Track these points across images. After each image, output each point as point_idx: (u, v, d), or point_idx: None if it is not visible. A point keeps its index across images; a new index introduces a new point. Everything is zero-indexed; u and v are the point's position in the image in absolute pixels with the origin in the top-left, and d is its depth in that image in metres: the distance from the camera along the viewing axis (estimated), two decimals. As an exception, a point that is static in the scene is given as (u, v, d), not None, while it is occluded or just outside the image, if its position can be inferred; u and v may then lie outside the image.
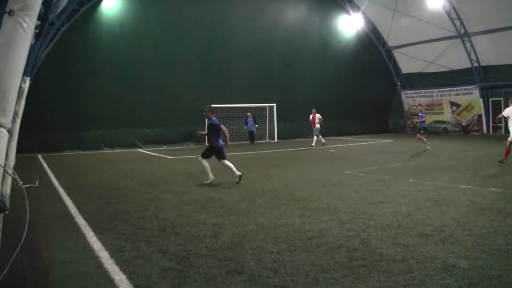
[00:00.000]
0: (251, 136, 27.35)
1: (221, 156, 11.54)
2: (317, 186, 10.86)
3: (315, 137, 23.50)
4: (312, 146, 23.04)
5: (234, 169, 11.36)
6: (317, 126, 23.46)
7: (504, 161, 13.41)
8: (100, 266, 5.26)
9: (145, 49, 24.94)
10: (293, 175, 12.97)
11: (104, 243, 6.17)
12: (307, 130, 30.84)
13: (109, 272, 5.03)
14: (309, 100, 30.46)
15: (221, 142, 11.56)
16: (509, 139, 13.25)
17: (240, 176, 11.28)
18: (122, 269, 5.11)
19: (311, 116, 23.87)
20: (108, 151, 23.57)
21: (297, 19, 30.81)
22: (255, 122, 27.53)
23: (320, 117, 23.55)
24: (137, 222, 7.44)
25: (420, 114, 20.08)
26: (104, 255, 5.63)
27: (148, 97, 25.10)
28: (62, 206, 9.09)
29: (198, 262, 5.30)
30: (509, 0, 24.94)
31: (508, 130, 13.42)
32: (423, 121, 19.77)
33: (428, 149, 18.64)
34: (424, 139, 19.19)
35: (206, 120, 13.38)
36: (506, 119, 13.76)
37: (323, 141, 23.74)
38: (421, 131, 19.42)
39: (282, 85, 29.89)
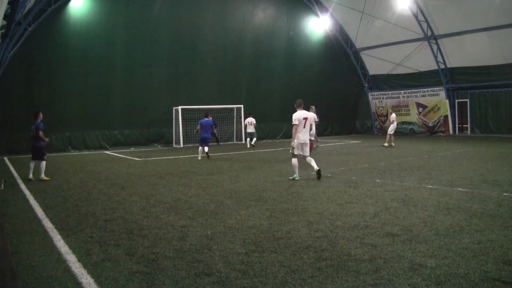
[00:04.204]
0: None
1: None
2: (285, 187, 10.99)
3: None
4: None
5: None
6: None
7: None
8: (67, 269, 5.24)
9: (113, 49, 24.64)
10: (261, 176, 13.06)
11: (71, 246, 6.14)
12: (275, 131, 31.16)
13: (76, 275, 5.02)
14: (277, 101, 30.73)
15: None
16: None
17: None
18: (90, 272, 5.11)
19: (249, 119, 24.89)
20: (75, 153, 23.20)
21: (265, 20, 30.99)
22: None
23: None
24: (105, 224, 7.42)
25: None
26: (71, 259, 5.61)
27: (116, 98, 24.87)
28: (29, 209, 8.96)
29: (166, 264, 5.33)
30: (475, 4, 25.80)
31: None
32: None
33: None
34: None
35: None
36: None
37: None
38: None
39: (250, 86, 30.09)
